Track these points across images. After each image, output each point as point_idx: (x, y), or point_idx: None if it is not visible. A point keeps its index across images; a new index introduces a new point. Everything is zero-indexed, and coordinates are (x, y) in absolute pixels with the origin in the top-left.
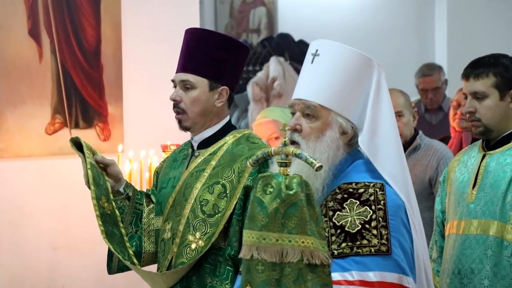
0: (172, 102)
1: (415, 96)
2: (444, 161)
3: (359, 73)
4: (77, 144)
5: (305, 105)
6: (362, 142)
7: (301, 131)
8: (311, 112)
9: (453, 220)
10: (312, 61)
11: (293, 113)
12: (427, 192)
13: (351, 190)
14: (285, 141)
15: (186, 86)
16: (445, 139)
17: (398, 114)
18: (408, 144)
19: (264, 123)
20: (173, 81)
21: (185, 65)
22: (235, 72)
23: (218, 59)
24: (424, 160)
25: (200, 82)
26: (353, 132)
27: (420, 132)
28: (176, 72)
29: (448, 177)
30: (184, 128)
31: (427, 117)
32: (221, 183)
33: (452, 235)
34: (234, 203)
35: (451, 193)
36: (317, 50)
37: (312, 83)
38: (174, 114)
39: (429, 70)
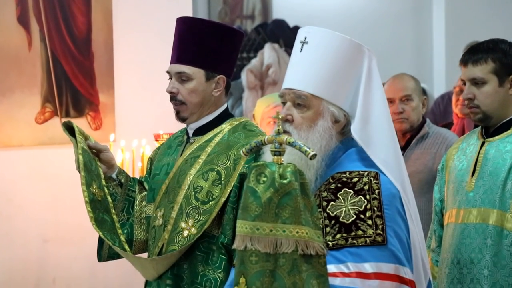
0: (167, 93)
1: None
2: None
3: (349, 60)
4: (70, 129)
5: (296, 95)
6: (355, 130)
7: (293, 121)
8: (302, 102)
9: (452, 209)
10: (301, 49)
11: (283, 103)
12: (435, 182)
13: (344, 179)
14: (278, 130)
15: (182, 78)
16: (448, 126)
17: (407, 98)
18: (415, 132)
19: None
20: (168, 72)
21: (179, 56)
22: (230, 60)
23: (213, 48)
24: (433, 148)
25: (197, 73)
26: (346, 120)
27: (428, 120)
28: (171, 63)
29: (447, 165)
30: (181, 118)
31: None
32: (216, 170)
33: (451, 224)
34: (229, 190)
35: (449, 181)
36: (305, 38)
37: (301, 71)
38: (167, 103)
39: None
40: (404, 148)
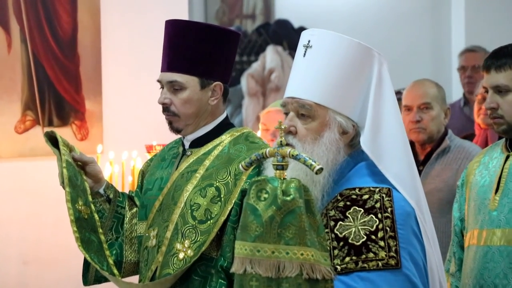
0: (156, 94)
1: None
2: None
3: (357, 65)
4: (52, 139)
5: (299, 104)
6: (364, 142)
7: (296, 133)
8: (306, 112)
9: (473, 230)
10: (305, 53)
11: (286, 113)
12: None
13: (354, 196)
14: (281, 141)
15: (174, 88)
16: (469, 137)
17: (426, 106)
18: (436, 146)
19: (274, 112)
20: (159, 81)
21: (170, 63)
22: (227, 64)
23: (207, 52)
24: (454, 164)
25: (190, 81)
26: (355, 131)
27: (450, 132)
28: (161, 71)
29: (467, 180)
30: (175, 130)
31: (466, 111)
32: (215, 185)
33: (473, 247)
34: (229, 208)
35: (470, 199)
36: (309, 41)
37: (305, 79)
38: (160, 111)
39: (474, 47)
40: (423, 163)
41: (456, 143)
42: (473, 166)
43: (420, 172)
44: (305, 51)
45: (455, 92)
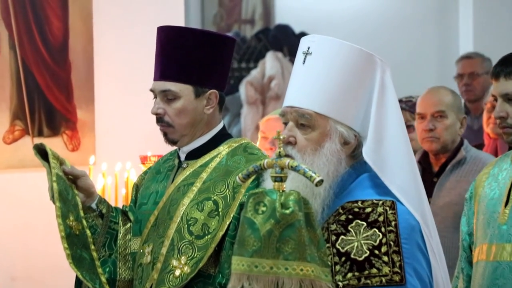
0: (151, 101)
1: None
2: None
3: (359, 72)
4: (42, 152)
5: (299, 114)
6: (367, 152)
7: (296, 143)
8: (306, 122)
9: (482, 244)
10: (304, 61)
11: (285, 123)
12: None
13: (356, 209)
14: (279, 152)
15: (168, 97)
16: (478, 147)
17: (440, 114)
18: (451, 157)
19: (274, 120)
20: (152, 91)
21: (163, 71)
22: (222, 71)
23: (201, 59)
24: (470, 176)
25: (184, 90)
26: (357, 141)
27: (466, 142)
28: (154, 80)
29: (476, 193)
30: (171, 141)
31: (468, 121)
32: (212, 199)
33: (482, 262)
34: (228, 223)
35: (479, 212)
36: (308, 48)
37: (304, 87)
38: (154, 119)
39: (471, 54)
40: (437, 175)
41: (472, 154)
42: (482, 178)
43: (434, 184)
44: (305, 58)
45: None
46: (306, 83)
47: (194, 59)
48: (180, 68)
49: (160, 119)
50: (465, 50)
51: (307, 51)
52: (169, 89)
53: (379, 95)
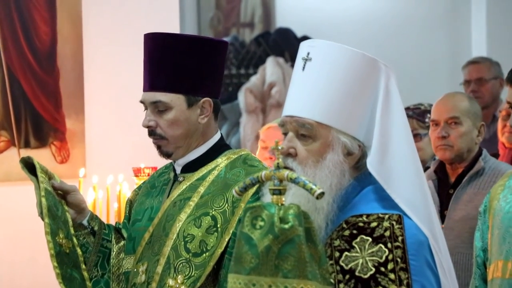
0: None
1: None
2: None
3: (362, 79)
4: (29, 166)
5: (299, 124)
6: (371, 163)
7: (296, 155)
8: (306, 132)
9: (497, 261)
10: (304, 67)
11: (284, 134)
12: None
13: (361, 224)
14: (278, 163)
15: (159, 109)
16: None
17: (454, 121)
18: (468, 167)
19: (275, 128)
20: (142, 102)
21: (152, 81)
22: (215, 77)
23: (191, 66)
24: (489, 188)
25: (175, 100)
26: (361, 152)
27: (485, 152)
28: (144, 91)
29: (491, 206)
30: (165, 154)
31: None
32: (210, 214)
33: (497, 280)
34: (227, 239)
35: (494, 226)
36: (308, 54)
37: (304, 95)
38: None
39: (477, 59)
40: (454, 186)
41: (491, 165)
42: (497, 190)
43: (450, 196)
44: (304, 65)
45: None
46: (306, 90)
47: (184, 67)
48: (169, 77)
49: (152, 132)
50: (478, 55)
51: (307, 56)
52: (160, 100)
53: (384, 103)
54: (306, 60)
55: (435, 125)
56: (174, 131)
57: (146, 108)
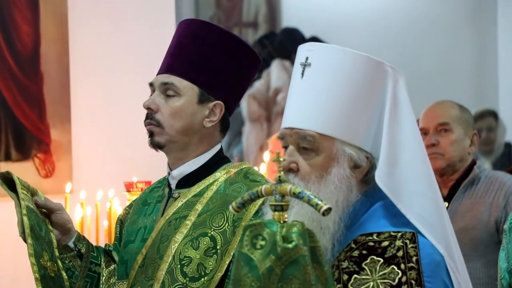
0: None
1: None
2: None
3: (367, 84)
4: (9, 182)
5: (300, 136)
6: (380, 177)
7: (298, 170)
8: (308, 145)
9: None
10: (302, 73)
11: (284, 147)
12: (493, 241)
13: (371, 244)
14: (280, 177)
15: (167, 93)
16: None
17: (444, 128)
18: (462, 177)
19: None
20: (151, 84)
21: (171, 64)
22: (237, 88)
23: (217, 62)
24: (487, 197)
25: (188, 89)
26: (369, 164)
27: (479, 162)
28: (158, 74)
29: None
30: (156, 144)
31: None
32: (209, 235)
33: None
34: (227, 262)
35: None
36: (307, 59)
37: (304, 104)
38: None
39: None
40: (447, 199)
41: (487, 174)
42: None
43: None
44: (303, 71)
45: (504, 115)
46: (306, 99)
47: (209, 59)
48: (191, 64)
49: (150, 116)
50: (505, 57)
51: (306, 62)
52: (172, 82)
53: (392, 109)
54: (305, 65)
55: (424, 134)
56: (174, 122)
57: (153, 91)
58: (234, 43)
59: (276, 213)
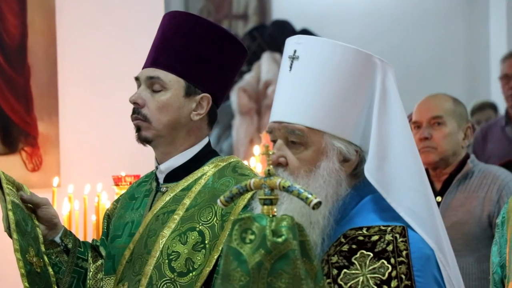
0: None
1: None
2: (508, 192)
3: (356, 77)
4: None
5: (288, 130)
6: (369, 170)
7: (287, 165)
8: (297, 139)
9: None
10: (291, 67)
11: (273, 141)
12: (486, 235)
13: (361, 238)
14: (269, 170)
15: (153, 88)
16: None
17: (437, 121)
18: (455, 171)
19: None
20: (137, 79)
21: (156, 58)
22: (224, 79)
23: (203, 54)
24: (480, 191)
25: (174, 83)
26: (358, 157)
27: (473, 156)
28: (143, 67)
29: (509, 218)
30: (143, 139)
31: (509, 132)
32: (197, 229)
33: None
34: (216, 257)
35: None
36: (295, 51)
37: (293, 98)
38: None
39: None
40: (441, 193)
41: (481, 168)
42: None
43: (438, 204)
44: (291, 64)
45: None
46: (294, 93)
47: (195, 52)
48: (176, 57)
49: (136, 111)
50: (497, 48)
51: (294, 55)
52: (158, 76)
53: (381, 102)
54: (293, 58)
55: (417, 128)
56: (161, 116)
57: (139, 86)
58: (219, 34)
59: (265, 207)
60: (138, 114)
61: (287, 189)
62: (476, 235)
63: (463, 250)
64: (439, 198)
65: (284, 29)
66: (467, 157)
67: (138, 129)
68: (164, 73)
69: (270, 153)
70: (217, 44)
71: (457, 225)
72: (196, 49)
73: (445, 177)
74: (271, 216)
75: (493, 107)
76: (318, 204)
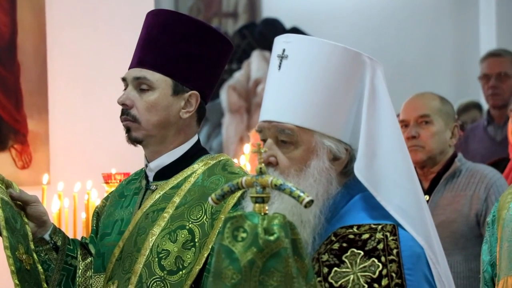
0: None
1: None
2: (496, 190)
3: (345, 75)
4: None
5: (278, 129)
6: (358, 168)
7: (277, 164)
8: (287, 138)
9: (507, 277)
10: (280, 66)
11: (263, 140)
12: (474, 234)
13: (351, 236)
14: (260, 168)
15: (141, 87)
16: (500, 164)
17: (424, 120)
18: (443, 170)
19: None
20: (124, 79)
21: (142, 57)
22: (211, 75)
23: (189, 52)
24: (468, 190)
25: (162, 82)
26: (348, 155)
27: (460, 155)
28: (130, 68)
29: (499, 216)
30: (133, 139)
31: (491, 132)
32: (187, 227)
33: None
34: (206, 255)
35: (503, 239)
36: (284, 50)
37: (282, 97)
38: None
39: (498, 51)
40: (428, 192)
41: (468, 166)
42: (506, 199)
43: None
44: (280, 63)
45: (486, 106)
46: (283, 92)
47: (180, 50)
48: (162, 56)
49: (125, 112)
50: (486, 47)
51: (282, 54)
52: (145, 76)
53: (370, 100)
54: (281, 57)
55: (405, 126)
56: (150, 116)
57: (126, 86)
58: (203, 30)
59: (257, 205)
60: (127, 115)
61: (279, 187)
62: (464, 234)
63: (451, 249)
64: (426, 197)
65: (274, 27)
66: (454, 155)
67: (128, 130)
68: (150, 73)
69: (262, 151)
70: (202, 40)
71: (445, 223)
72: (181, 47)
73: (432, 176)
74: (263, 214)
75: (478, 107)
76: (310, 202)
